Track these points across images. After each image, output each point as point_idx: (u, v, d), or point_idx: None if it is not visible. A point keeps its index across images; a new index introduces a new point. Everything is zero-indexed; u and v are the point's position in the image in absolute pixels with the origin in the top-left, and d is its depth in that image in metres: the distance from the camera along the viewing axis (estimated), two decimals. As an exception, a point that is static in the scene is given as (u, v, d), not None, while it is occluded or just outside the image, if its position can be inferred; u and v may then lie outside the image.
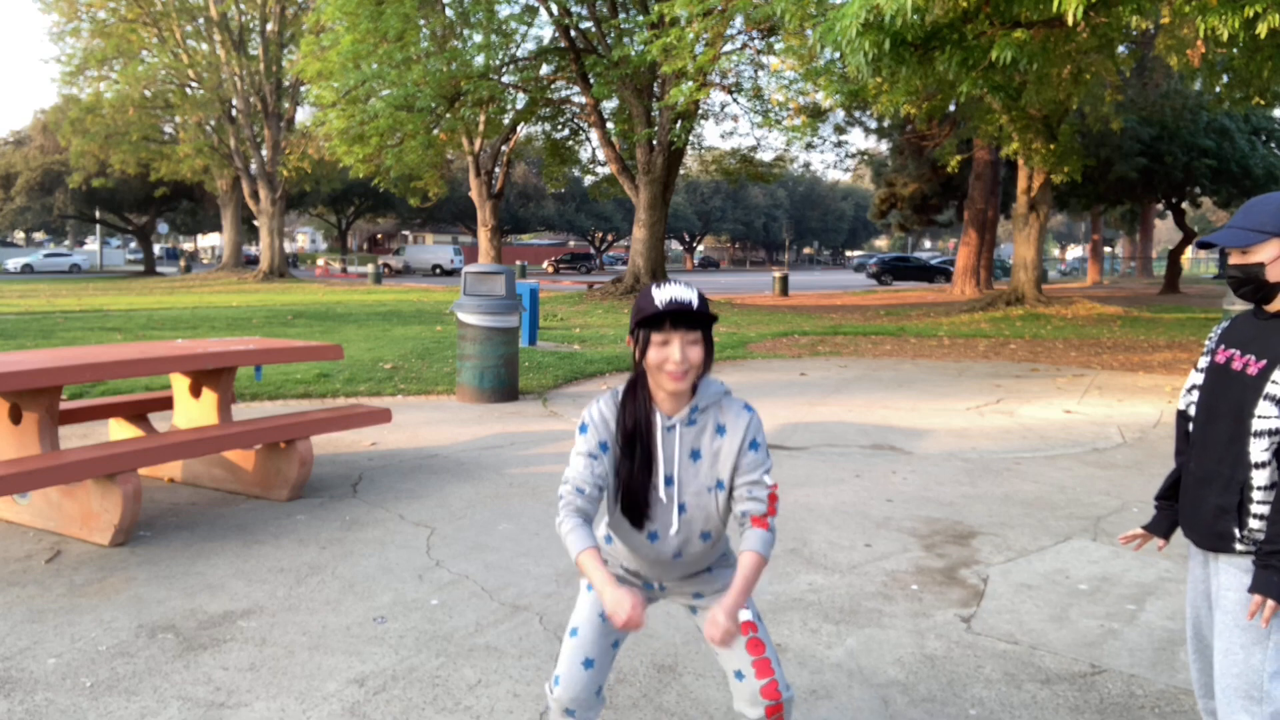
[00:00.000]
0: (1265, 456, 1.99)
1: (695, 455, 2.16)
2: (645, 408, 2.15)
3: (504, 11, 26.39)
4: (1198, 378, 2.22)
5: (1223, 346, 2.15)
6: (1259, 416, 2.00)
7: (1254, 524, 2.03)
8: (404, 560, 4.19)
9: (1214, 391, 2.12)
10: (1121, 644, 3.37)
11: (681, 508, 2.15)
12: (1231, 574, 2.08)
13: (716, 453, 2.15)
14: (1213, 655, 2.14)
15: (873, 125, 30.87)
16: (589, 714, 2.27)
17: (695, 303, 2.05)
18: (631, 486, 2.14)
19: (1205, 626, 2.22)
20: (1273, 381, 1.99)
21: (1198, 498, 2.14)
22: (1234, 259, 2.09)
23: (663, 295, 2.05)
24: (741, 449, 2.14)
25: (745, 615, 2.25)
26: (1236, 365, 2.08)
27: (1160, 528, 2.35)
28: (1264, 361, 2.02)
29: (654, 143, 23.27)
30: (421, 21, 22.12)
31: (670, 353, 2.06)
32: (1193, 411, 2.21)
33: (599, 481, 2.12)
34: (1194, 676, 2.28)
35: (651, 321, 2.06)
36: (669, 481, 2.15)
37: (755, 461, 2.14)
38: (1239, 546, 2.06)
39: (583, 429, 2.17)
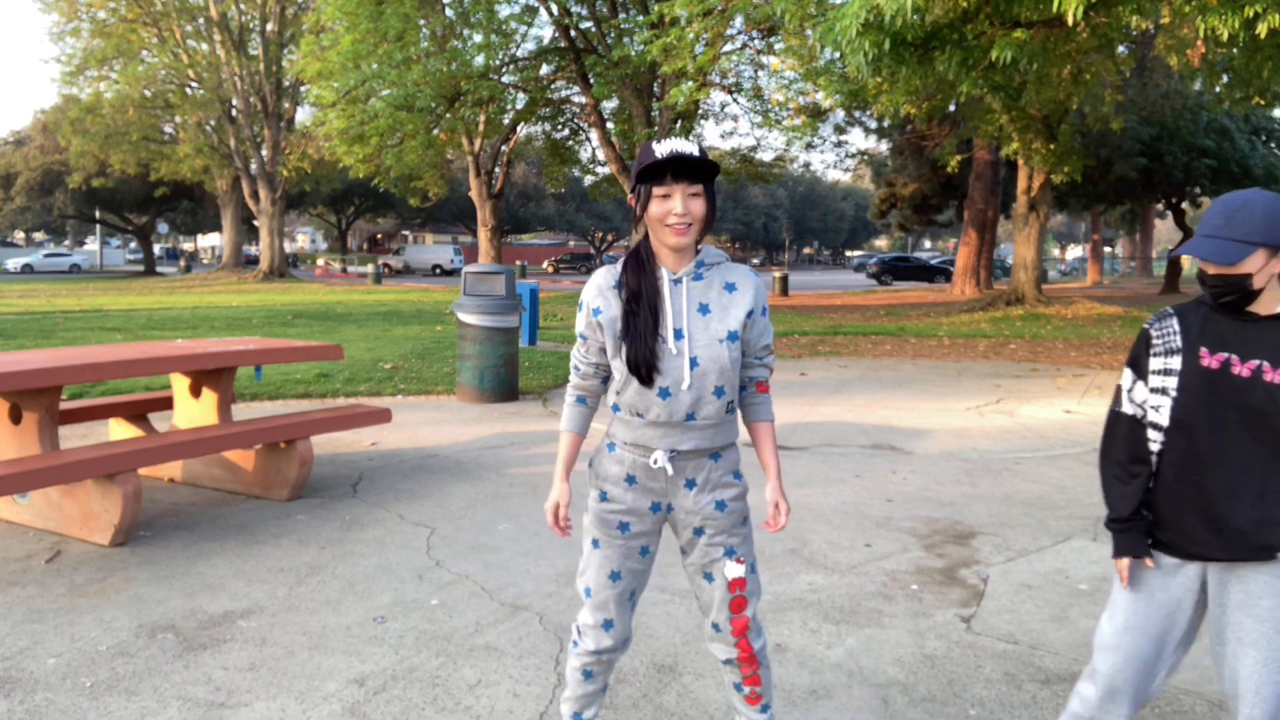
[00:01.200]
0: None
1: (704, 309, 2.14)
2: (650, 266, 2.15)
3: (504, 11, 26.40)
4: (1166, 382, 2.05)
5: (1205, 350, 2.02)
6: None
7: None
8: (404, 560, 4.19)
9: (1214, 399, 2.00)
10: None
11: (694, 361, 2.12)
12: (1261, 581, 2.00)
13: (727, 307, 2.15)
14: (1223, 662, 2.08)
15: (873, 125, 30.87)
16: (614, 655, 2.32)
17: (696, 153, 2.03)
18: (639, 343, 2.11)
19: (1174, 638, 2.13)
20: None
21: (1221, 513, 1.99)
22: (1214, 268, 1.98)
23: (664, 148, 2.05)
24: (755, 313, 2.18)
25: (738, 572, 2.26)
26: (1243, 371, 1.97)
27: (1144, 547, 2.11)
28: None
29: (652, 142, 23.25)
30: (421, 21, 22.12)
31: (672, 205, 2.05)
32: (1163, 420, 2.06)
33: (593, 358, 2.23)
34: (1131, 691, 2.15)
35: (652, 174, 2.05)
36: (679, 335, 2.12)
37: (765, 326, 2.22)
38: None
39: (580, 306, 2.22)
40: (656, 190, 2.06)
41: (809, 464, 6.18)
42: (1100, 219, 44.07)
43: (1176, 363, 2.05)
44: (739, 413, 2.30)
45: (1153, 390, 2.08)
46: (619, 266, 2.20)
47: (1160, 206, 39.11)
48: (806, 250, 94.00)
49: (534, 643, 3.33)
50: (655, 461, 2.18)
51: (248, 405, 8.11)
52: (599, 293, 2.19)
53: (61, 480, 4.07)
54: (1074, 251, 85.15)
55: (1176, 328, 2.07)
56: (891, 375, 10.62)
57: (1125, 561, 2.12)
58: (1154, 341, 2.09)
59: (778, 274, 30.12)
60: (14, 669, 3.08)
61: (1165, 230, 66.45)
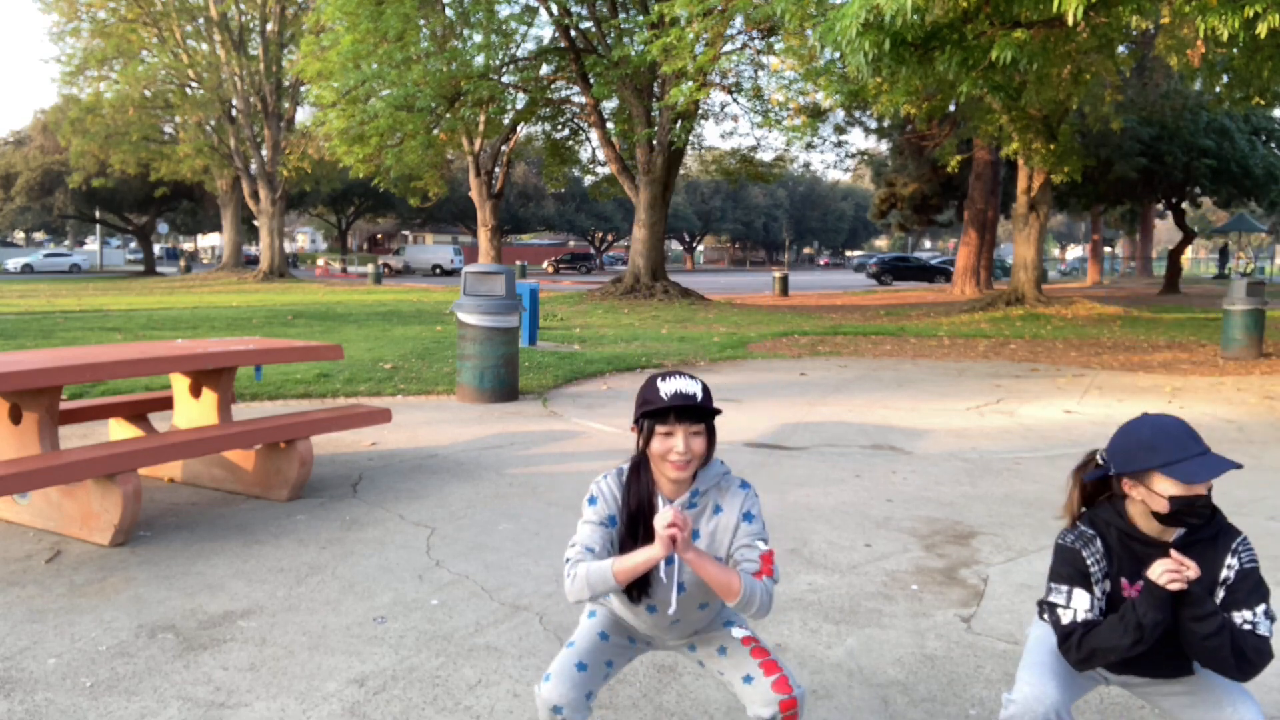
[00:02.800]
0: None
1: (694, 536, 2.22)
2: (648, 490, 2.23)
3: (504, 11, 26.38)
4: (1098, 605, 2.13)
5: (1125, 581, 2.13)
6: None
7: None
8: (404, 560, 4.19)
9: None
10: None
11: (680, 587, 2.21)
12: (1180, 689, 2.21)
13: (714, 531, 2.22)
14: None
15: (873, 125, 30.88)
16: (577, 716, 2.24)
17: (699, 396, 2.12)
18: None
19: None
20: (1213, 598, 2.07)
21: (1146, 675, 2.21)
22: (1205, 487, 2.03)
23: (668, 388, 2.12)
24: (737, 524, 2.21)
25: (743, 632, 2.32)
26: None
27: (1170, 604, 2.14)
28: (1196, 588, 2.05)
29: (654, 143, 23.28)
30: (421, 21, 22.12)
31: (674, 444, 2.13)
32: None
33: (608, 546, 2.19)
34: (1052, 700, 2.18)
35: (656, 414, 2.13)
36: (669, 561, 2.19)
37: (749, 530, 2.21)
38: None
39: (591, 501, 2.25)
40: (659, 428, 2.14)
41: (809, 464, 6.19)
42: (1100, 219, 44.07)
43: (1107, 587, 2.14)
44: None
45: (1070, 618, 2.14)
46: (623, 480, 2.26)
47: (1160, 206, 39.11)
48: (806, 250, 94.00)
49: (534, 643, 3.33)
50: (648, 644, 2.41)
51: (248, 405, 8.11)
52: (612, 499, 2.26)
53: (61, 480, 4.07)
54: (1074, 251, 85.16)
55: (1102, 551, 2.14)
56: (891, 375, 10.62)
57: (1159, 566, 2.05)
58: (1090, 566, 2.13)
59: (778, 274, 30.13)
60: (14, 669, 3.08)
61: (1165, 230, 66.46)
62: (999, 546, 4.48)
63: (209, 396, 5.42)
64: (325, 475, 5.72)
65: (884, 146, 36.26)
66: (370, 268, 38.16)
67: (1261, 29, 8.03)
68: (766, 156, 38.37)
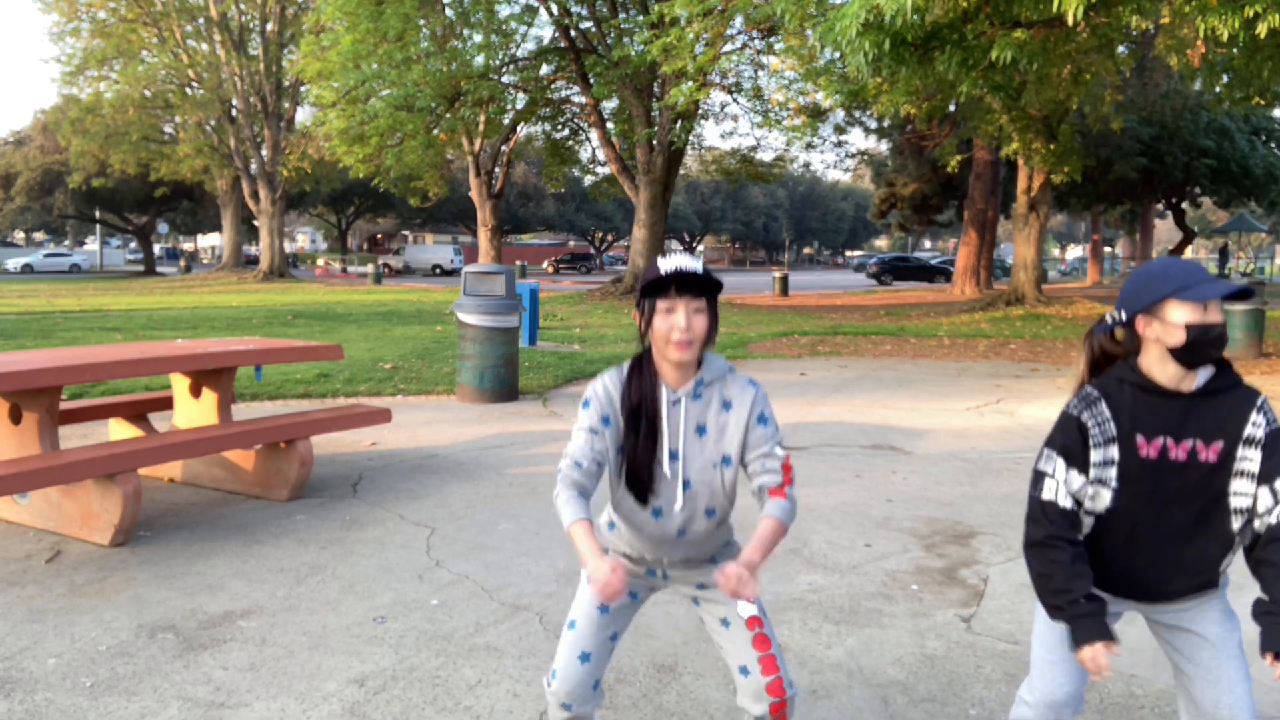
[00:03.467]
0: (1239, 526, 2.02)
1: (701, 430, 2.15)
2: (650, 381, 2.15)
3: (504, 11, 26.39)
4: (1105, 473, 2.01)
5: (1142, 439, 2.00)
6: (1235, 494, 1.99)
7: (1226, 568, 2.09)
8: (404, 560, 4.19)
9: (1156, 488, 2.00)
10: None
11: (686, 483, 2.14)
12: (1204, 610, 2.11)
13: (723, 428, 2.15)
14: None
15: (873, 125, 30.88)
16: (586, 708, 2.27)
17: (701, 271, 2.06)
18: (636, 461, 2.13)
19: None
20: (1240, 459, 1.98)
21: (1160, 582, 2.07)
22: (1215, 315, 1.95)
23: (668, 264, 2.07)
24: (749, 424, 2.14)
25: (751, 610, 2.24)
26: (1179, 454, 1.99)
27: (1109, 630, 2.00)
28: (1219, 443, 1.98)
29: (654, 143, 23.28)
30: (421, 21, 22.13)
31: (675, 320, 2.06)
32: (1098, 508, 2.04)
33: (598, 457, 2.11)
34: (1073, 702, 2.17)
35: (656, 289, 2.07)
36: (674, 456, 2.13)
37: (765, 435, 2.14)
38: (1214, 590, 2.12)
39: (585, 404, 2.17)
40: (660, 304, 2.08)
41: (809, 464, 6.18)
42: (1100, 219, 44.08)
43: (1114, 452, 2.01)
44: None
45: (1091, 481, 2.04)
46: (623, 376, 2.19)
47: (1160, 206, 39.11)
48: (806, 250, 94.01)
49: (534, 643, 3.33)
50: (650, 574, 2.29)
51: (248, 405, 8.11)
52: (608, 400, 2.17)
53: (61, 480, 4.07)
54: (1074, 251, 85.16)
55: (1108, 414, 2.02)
56: (891, 375, 10.62)
57: (1093, 649, 1.94)
58: (1091, 432, 2.02)
59: (778, 274, 30.12)
60: (14, 669, 3.08)
61: (1165, 230, 66.48)
62: (999, 546, 4.48)
63: (209, 396, 5.42)
64: (325, 475, 5.72)
65: (884, 146, 36.29)
66: (370, 268, 38.16)
67: (1261, 29, 8.03)
68: (766, 156, 38.40)
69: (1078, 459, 2.03)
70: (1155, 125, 26.31)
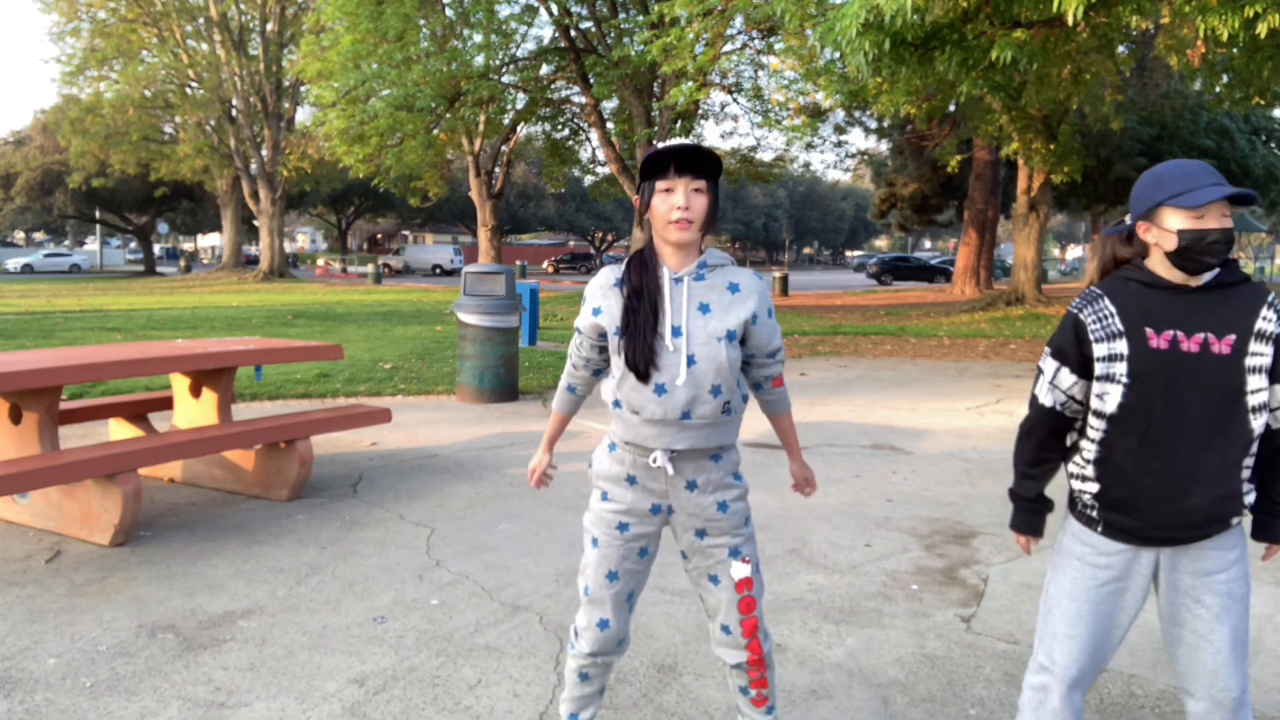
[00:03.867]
0: (1260, 428, 1.97)
1: (704, 309, 2.15)
2: (652, 263, 2.17)
3: (504, 11, 26.40)
4: (1113, 369, 1.97)
5: (1151, 331, 1.96)
6: (1252, 392, 1.94)
7: (1245, 488, 2.03)
8: (404, 560, 4.19)
9: (1168, 380, 1.94)
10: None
11: (690, 359, 2.12)
12: (1213, 556, 2.04)
13: (728, 306, 2.15)
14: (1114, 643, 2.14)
15: (873, 125, 30.87)
16: (611, 657, 2.34)
17: (699, 149, 2.07)
18: (637, 338, 2.12)
19: (1124, 623, 2.14)
20: (1253, 354, 1.93)
21: (1183, 492, 1.97)
22: (1217, 221, 1.93)
23: (668, 146, 2.08)
24: (759, 314, 2.18)
25: (744, 572, 2.26)
26: (1191, 346, 1.94)
27: (1040, 529, 2.27)
28: (1231, 336, 1.93)
29: (654, 143, 23.26)
30: (421, 21, 22.12)
31: (674, 199, 2.07)
32: (1108, 408, 1.99)
33: (585, 352, 2.30)
34: (1087, 680, 2.15)
35: (656, 168, 2.08)
36: (676, 332, 2.13)
37: (772, 328, 2.22)
38: (1235, 520, 2.03)
39: (583, 300, 2.24)
40: (660, 184, 2.08)
41: (809, 464, 6.18)
42: (1100, 219, 44.05)
43: (1122, 346, 1.97)
44: (761, 406, 2.38)
45: (1098, 378, 2.01)
46: (622, 265, 2.22)
47: (1160, 206, 39.02)
48: (806, 250, 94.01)
49: (534, 643, 3.33)
50: (654, 461, 2.18)
51: (248, 405, 8.10)
52: (601, 290, 2.21)
53: (61, 480, 4.07)
54: (1074, 251, 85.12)
55: (1112, 309, 2.00)
56: (891, 375, 10.62)
57: (1022, 539, 2.29)
58: (1091, 328, 2.00)
59: (778, 274, 30.12)
60: (14, 669, 3.08)
61: (1165, 230, 66.32)
62: (999, 546, 4.48)
63: (209, 396, 5.42)
64: (325, 475, 5.72)
65: (884, 146, 36.27)
66: (370, 268, 38.14)
67: (1261, 29, 8.03)
68: (766, 156, 38.36)
69: (1071, 358, 2.03)
70: (1155, 125, 26.30)
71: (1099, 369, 2.00)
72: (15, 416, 4.52)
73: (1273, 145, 29.50)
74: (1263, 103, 14.49)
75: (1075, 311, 2.04)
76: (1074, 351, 2.03)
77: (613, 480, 2.26)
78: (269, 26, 35.70)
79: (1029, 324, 17.56)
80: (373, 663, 3.16)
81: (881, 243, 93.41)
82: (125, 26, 34.04)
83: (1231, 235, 1.94)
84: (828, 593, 3.85)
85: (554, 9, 22.92)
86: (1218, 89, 15.22)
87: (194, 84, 36.11)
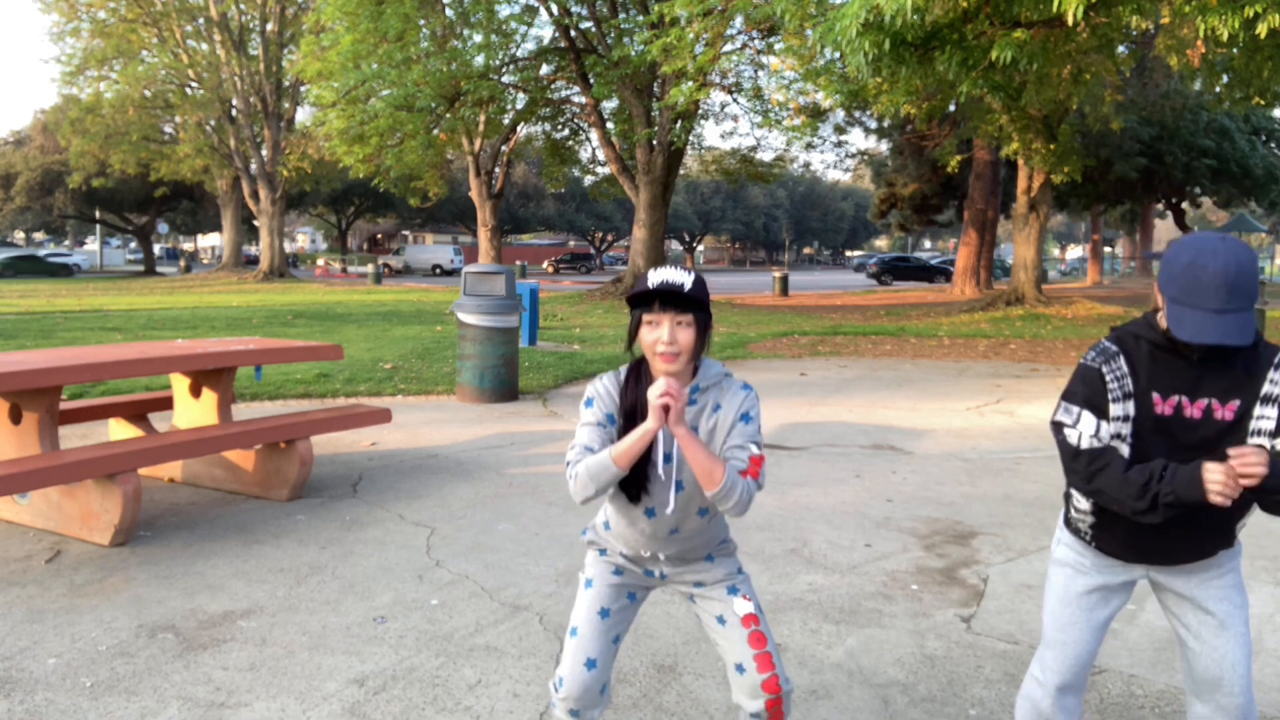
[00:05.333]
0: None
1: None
2: (646, 386, 2.16)
3: (504, 11, 26.37)
4: (1122, 428, 2.00)
5: (1158, 396, 1.98)
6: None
7: (1243, 520, 2.08)
8: (404, 560, 4.19)
9: (1171, 443, 1.99)
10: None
11: (679, 485, 2.16)
12: (1209, 571, 2.11)
13: (712, 429, 2.16)
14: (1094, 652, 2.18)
15: (873, 125, 30.89)
16: (593, 713, 2.28)
17: (688, 286, 2.05)
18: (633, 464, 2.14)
19: (1107, 626, 2.22)
20: (1257, 418, 1.96)
21: (1172, 537, 2.05)
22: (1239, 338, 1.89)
23: (655, 277, 2.07)
24: (734, 423, 2.15)
25: (748, 609, 2.26)
26: (1194, 412, 1.97)
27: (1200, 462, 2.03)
28: (1236, 402, 1.96)
29: (654, 143, 23.27)
30: (421, 21, 22.12)
31: (660, 334, 2.07)
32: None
33: (607, 445, 2.12)
34: (1080, 682, 2.18)
35: (642, 301, 2.08)
36: (667, 459, 2.15)
37: (743, 431, 2.13)
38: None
39: (588, 403, 2.19)
40: (646, 316, 2.10)
41: (809, 464, 6.18)
42: (1100, 219, 44.07)
43: (1131, 408, 2.00)
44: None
45: (1093, 433, 2.03)
46: (621, 379, 2.21)
47: (1160, 206, 39.12)
48: (806, 250, 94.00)
49: (534, 643, 3.33)
50: (648, 574, 2.32)
51: (248, 405, 8.11)
52: (610, 400, 2.20)
53: (61, 480, 4.07)
54: (1074, 251, 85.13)
55: (1125, 369, 2.01)
56: (891, 375, 10.62)
57: (1214, 471, 1.85)
58: (1110, 387, 2.01)
59: (778, 274, 30.13)
60: (14, 669, 3.08)
61: (1165, 230, 66.46)
62: (999, 546, 4.48)
63: (209, 396, 5.42)
64: (325, 475, 5.72)
65: (884, 146, 36.28)
66: (370, 268, 38.15)
67: (1261, 29, 8.03)
68: (766, 156, 38.41)
69: (1095, 407, 2.01)
70: (1155, 125, 26.30)
71: (1111, 427, 2.03)
72: (15, 416, 4.52)
73: (1273, 145, 29.50)
74: (1263, 103, 14.49)
75: (1097, 366, 2.03)
76: (1103, 405, 2.03)
77: (608, 545, 2.35)
78: (269, 26, 35.71)
79: (1029, 324, 17.56)
80: (373, 663, 3.16)
81: (881, 243, 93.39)
82: (125, 26, 34.04)
83: (1220, 347, 1.91)
84: (828, 593, 3.85)
85: (554, 9, 22.92)
86: (1218, 89, 15.23)
87: (194, 84, 36.11)
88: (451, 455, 6.36)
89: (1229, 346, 1.90)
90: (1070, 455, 2.03)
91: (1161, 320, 2.00)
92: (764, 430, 7.17)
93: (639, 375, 2.18)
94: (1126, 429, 2.00)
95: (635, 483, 2.16)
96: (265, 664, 3.14)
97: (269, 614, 3.56)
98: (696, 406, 2.17)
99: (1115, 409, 2.00)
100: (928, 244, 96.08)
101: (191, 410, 5.50)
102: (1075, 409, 2.03)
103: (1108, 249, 58.09)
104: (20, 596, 3.70)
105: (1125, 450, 2.00)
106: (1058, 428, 2.06)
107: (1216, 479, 1.83)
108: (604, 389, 2.19)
